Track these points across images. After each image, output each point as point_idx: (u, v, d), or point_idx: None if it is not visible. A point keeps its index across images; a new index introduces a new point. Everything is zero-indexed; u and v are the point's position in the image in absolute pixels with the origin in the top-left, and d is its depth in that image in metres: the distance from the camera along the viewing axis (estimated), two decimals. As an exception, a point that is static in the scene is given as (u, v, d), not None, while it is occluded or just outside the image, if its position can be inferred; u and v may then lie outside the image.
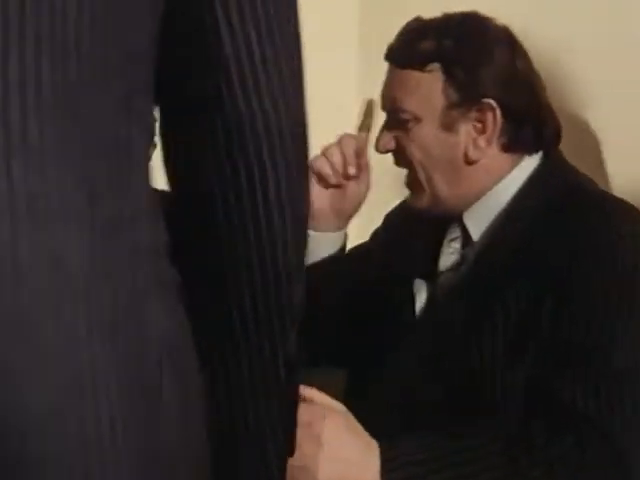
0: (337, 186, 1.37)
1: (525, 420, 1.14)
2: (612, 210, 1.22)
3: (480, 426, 1.16)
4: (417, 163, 1.28)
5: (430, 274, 1.32)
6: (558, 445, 1.10)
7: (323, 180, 1.36)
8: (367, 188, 1.38)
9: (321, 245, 1.39)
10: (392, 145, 1.30)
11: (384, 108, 1.33)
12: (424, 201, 1.30)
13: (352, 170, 1.35)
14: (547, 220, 1.23)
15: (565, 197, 1.24)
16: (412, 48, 1.27)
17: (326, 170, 1.35)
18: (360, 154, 1.36)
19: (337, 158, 1.34)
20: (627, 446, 1.11)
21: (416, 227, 1.36)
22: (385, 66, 1.33)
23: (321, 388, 1.12)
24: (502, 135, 1.25)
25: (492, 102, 1.23)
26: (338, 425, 1.09)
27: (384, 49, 1.32)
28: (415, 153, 1.28)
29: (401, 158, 1.30)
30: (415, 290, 1.32)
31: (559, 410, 1.13)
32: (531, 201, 1.26)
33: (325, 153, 1.35)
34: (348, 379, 1.40)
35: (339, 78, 2.19)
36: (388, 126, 1.31)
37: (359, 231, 1.58)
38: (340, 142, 1.36)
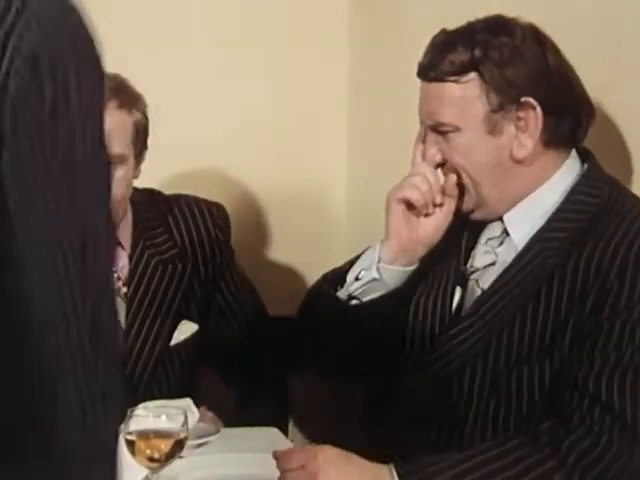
0: (426, 215, 1.37)
1: (554, 413, 1.21)
2: None
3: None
4: (462, 169, 1.32)
5: (461, 273, 1.37)
6: (574, 434, 1.17)
7: (413, 208, 1.36)
8: (450, 215, 1.37)
9: (397, 279, 1.38)
10: (439, 158, 1.33)
11: (423, 123, 1.36)
12: (470, 204, 1.34)
13: (439, 198, 1.35)
14: (591, 228, 1.27)
15: (608, 207, 1.28)
16: (445, 61, 1.29)
17: (417, 197, 1.34)
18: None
19: (426, 186, 1.34)
20: None
21: (449, 230, 1.39)
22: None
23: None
24: (545, 131, 1.28)
25: (531, 100, 1.27)
26: (332, 457, 1.16)
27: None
28: (459, 160, 1.31)
29: (448, 167, 1.34)
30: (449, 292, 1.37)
31: (578, 399, 1.19)
32: (576, 207, 1.29)
33: (412, 181, 1.35)
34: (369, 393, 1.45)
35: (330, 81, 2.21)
36: (431, 140, 1.34)
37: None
38: (422, 171, 1.35)
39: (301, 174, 2.16)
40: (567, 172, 1.31)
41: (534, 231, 1.29)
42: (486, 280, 1.32)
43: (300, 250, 2.17)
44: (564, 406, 1.20)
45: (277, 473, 1.15)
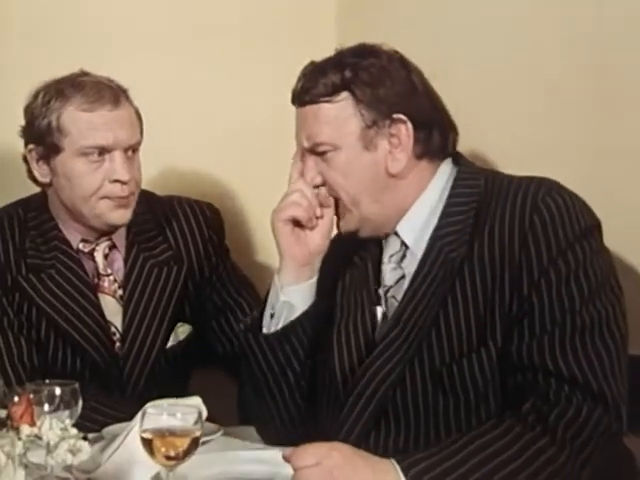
0: (311, 228, 1.41)
1: (517, 396, 1.23)
2: (529, 187, 1.30)
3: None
4: (342, 189, 1.36)
5: (376, 294, 1.40)
6: (556, 409, 1.19)
7: (299, 225, 1.41)
8: (332, 223, 1.42)
9: (306, 295, 1.43)
10: (319, 180, 1.38)
11: (300, 146, 1.40)
12: (352, 223, 1.38)
13: (318, 210, 1.40)
14: (480, 215, 1.31)
15: (488, 192, 1.33)
16: (318, 85, 1.35)
17: (300, 213, 1.39)
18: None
19: (305, 201, 1.39)
20: (608, 390, 1.21)
21: (352, 250, 1.43)
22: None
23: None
24: (416, 144, 1.34)
25: (402, 116, 1.33)
26: (346, 454, 1.17)
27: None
28: (339, 179, 1.36)
29: (328, 188, 1.38)
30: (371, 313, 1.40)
31: (543, 378, 1.22)
32: (460, 200, 1.34)
33: (293, 199, 1.39)
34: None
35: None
36: (309, 162, 1.38)
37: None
38: (299, 188, 1.40)
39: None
40: (441, 176, 1.38)
41: (427, 235, 1.34)
42: (401, 293, 1.36)
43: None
44: (529, 389, 1.22)
45: (286, 470, 1.15)
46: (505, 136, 1.77)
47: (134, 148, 1.66)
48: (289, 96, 1.40)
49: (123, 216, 1.65)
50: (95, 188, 1.63)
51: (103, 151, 1.62)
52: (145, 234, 1.71)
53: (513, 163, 1.54)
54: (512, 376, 1.24)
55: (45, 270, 1.65)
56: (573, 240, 1.25)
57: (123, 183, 1.62)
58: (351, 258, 1.43)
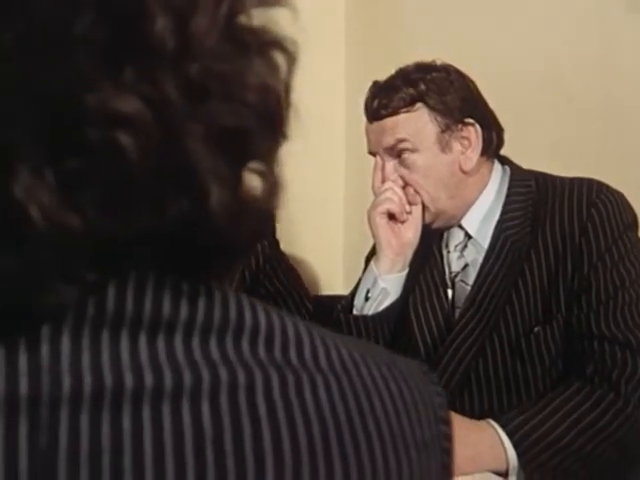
0: (402, 222, 1.56)
1: (580, 361, 1.41)
2: (582, 186, 1.49)
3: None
4: (421, 189, 1.52)
5: (445, 277, 1.57)
6: (615, 369, 1.37)
7: (393, 218, 1.56)
8: (420, 219, 1.56)
9: (398, 285, 1.57)
10: (401, 182, 1.54)
11: (378, 153, 1.55)
12: (427, 218, 1.55)
13: (407, 207, 1.55)
14: (541, 205, 1.50)
15: (541, 189, 1.52)
16: (394, 99, 1.50)
17: (394, 207, 1.53)
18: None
19: (397, 196, 1.53)
20: None
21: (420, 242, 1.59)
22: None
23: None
24: (482, 144, 1.52)
25: (470, 119, 1.51)
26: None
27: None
28: (420, 180, 1.52)
29: (406, 190, 1.54)
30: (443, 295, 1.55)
31: (601, 344, 1.40)
32: (518, 198, 1.52)
33: (386, 196, 1.54)
34: None
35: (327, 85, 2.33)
36: (389, 167, 1.54)
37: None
38: (389, 186, 1.54)
39: (299, 184, 2.26)
40: (497, 174, 1.56)
41: (491, 228, 1.52)
42: (469, 277, 1.53)
43: (298, 262, 2.23)
44: (592, 354, 1.40)
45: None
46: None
47: None
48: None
49: None
50: None
51: None
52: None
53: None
54: (575, 343, 1.42)
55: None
56: (623, 230, 1.46)
57: None
58: (419, 248, 1.59)
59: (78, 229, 0.39)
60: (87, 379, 0.40)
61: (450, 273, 1.56)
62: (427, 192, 1.51)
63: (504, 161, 1.58)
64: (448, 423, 0.51)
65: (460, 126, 1.50)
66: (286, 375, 0.44)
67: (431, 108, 1.49)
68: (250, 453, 0.42)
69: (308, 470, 0.43)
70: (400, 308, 1.55)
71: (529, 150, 1.75)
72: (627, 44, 1.81)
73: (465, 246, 1.54)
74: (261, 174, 0.45)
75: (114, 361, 0.41)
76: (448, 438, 0.51)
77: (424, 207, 1.53)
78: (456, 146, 1.50)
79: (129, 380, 0.41)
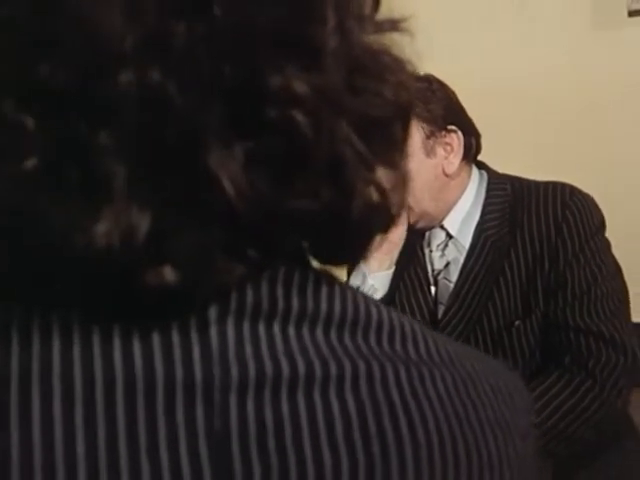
0: None
1: (557, 352, 1.52)
2: (556, 189, 1.59)
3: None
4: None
5: (428, 275, 1.66)
6: (592, 359, 1.49)
7: None
8: (406, 220, 1.63)
9: (385, 282, 1.66)
10: None
11: None
12: (411, 219, 1.63)
13: None
14: (518, 207, 1.59)
15: (517, 192, 1.61)
16: None
17: None
18: None
19: None
20: (627, 341, 1.51)
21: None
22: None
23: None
24: (464, 149, 1.61)
25: (453, 127, 1.59)
26: None
27: None
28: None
29: None
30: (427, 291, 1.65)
31: (577, 336, 1.51)
32: (496, 200, 1.63)
33: None
34: None
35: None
36: None
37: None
38: None
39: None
40: (475, 178, 1.65)
41: (472, 228, 1.62)
42: (452, 274, 1.62)
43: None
44: (568, 345, 1.51)
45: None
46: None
47: None
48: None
49: None
50: None
51: None
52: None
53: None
54: (553, 335, 1.53)
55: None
56: (595, 231, 1.56)
57: None
58: (403, 247, 1.68)
59: (259, 200, 0.41)
60: (251, 367, 0.43)
61: (433, 271, 1.65)
62: (412, 194, 1.59)
63: (481, 166, 1.68)
64: (532, 413, 0.55)
65: (444, 133, 1.58)
66: (410, 367, 0.47)
67: (417, 116, 1.57)
68: (391, 438, 0.45)
69: (438, 453, 0.46)
70: (388, 304, 1.63)
71: (499, 156, 1.85)
72: (593, 58, 1.94)
73: (446, 245, 1.64)
74: (392, 166, 0.47)
75: (271, 350, 0.44)
76: (534, 426, 0.54)
77: (409, 208, 1.61)
78: (440, 151, 1.58)
79: (285, 369, 0.44)
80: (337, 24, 0.43)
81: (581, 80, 1.95)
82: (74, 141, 0.41)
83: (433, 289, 1.65)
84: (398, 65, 0.47)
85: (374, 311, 0.49)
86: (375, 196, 0.46)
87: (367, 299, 0.49)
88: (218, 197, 0.41)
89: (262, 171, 0.42)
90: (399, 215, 0.48)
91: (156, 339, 0.43)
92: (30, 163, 0.41)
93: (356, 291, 0.49)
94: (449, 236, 1.64)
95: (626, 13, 1.87)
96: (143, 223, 0.40)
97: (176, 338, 0.43)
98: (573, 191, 1.58)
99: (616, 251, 1.60)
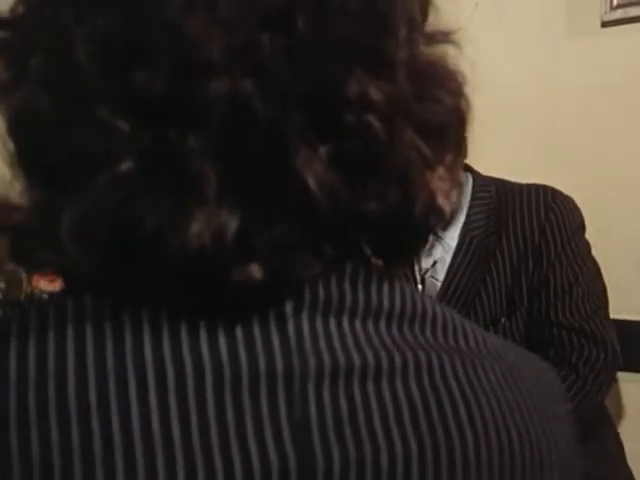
0: None
1: (541, 348, 1.57)
2: (539, 191, 1.65)
3: None
4: None
5: (414, 274, 1.70)
6: (574, 354, 1.55)
7: None
8: None
9: None
10: None
11: None
12: None
13: None
14: (502, 208, 1.64)
15: (502, 195, 1.66)
16: None
17: None
18: None
19: None
20: (607, 337, 1.57)
21: None
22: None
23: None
24: None
25: None
26: None
27: None
28: None
29: None
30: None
31: (560, 332, 1.57)
32: (481, 202, 1.67)
33: None
34: None
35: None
36: None
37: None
38: None
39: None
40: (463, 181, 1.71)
41: (458, 228, 1.65)
42: (439, 273, 1.66)
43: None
44: (552, 341, 1.57)
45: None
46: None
47: None
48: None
49: None
50: None
51: None
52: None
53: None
54: (537, 332, 1.58)
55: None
56: (575, 230, 1.62)
57: None
58: None
59: (342, 198, 0.44)
60: (326, 358, 0.46)
61: (420, 270, 1.70)
62: None
63: (466, 168, 1.74)
64: (567, 400, 0.58)
65: None
66: (464, 359, 0.51)
67: None
68: (453, 425, 0.48)
69: (495, 440, 0.50)
70: None
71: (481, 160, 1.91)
72: (566, 67, 2.00)
73: (433, 245, 1.69)
74: (449, 169, 0.50)
75: (342, 343, 0.47)
76: (570, 414, 0.58)
77: None
78: None
79: (356, 360, 0.47)
80: (406, 37, 0.47)
81: (556, 87, 2.00)
82: (166, 145, 0.44)
83: (420, 287, 1.69)
84: (453, 74, 0.51)
85: (428, 306, 0.52)
86: (434, 198, 0.49)
87: (420, 295, 0.53)
88: (302, 196, 0.44)
89: (341, 173, 0.45)
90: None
91: (239, 332, 0.46)
92: (126, 166, 0.43)
93: (411, 288, 0.53)
94: (436, 236, 1.68)
95: (599, 24, 1.93)
96: (232, 223, 0.43)
97: (257, 331, 0.47)
98: (555, 193, 1.64)
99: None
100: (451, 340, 0.52)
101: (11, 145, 0.49)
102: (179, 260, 0.44)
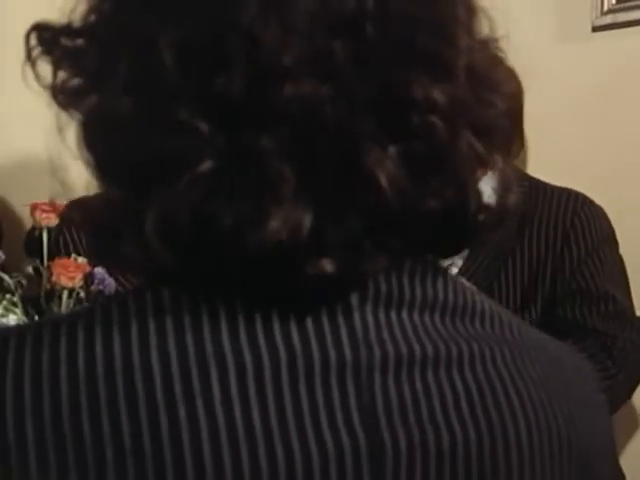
0: None
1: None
2: (569, 196, 1.66)
3: None
4: None
5: None
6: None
7: None
8: None
9: None
10: None
11: None
12: None
13: None
14: (528, 208, 1.65)
15: (534, 193, 1.66)
16: None
17: None
18: None
19: None
20: (629, 342, 1.59)
21: None
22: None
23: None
24: None
25: None
26: None
27: None
28: None
29: None
30: None
31: (577, 329, 1.59)
32: None
33: None
34: None
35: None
36: None
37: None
38: None
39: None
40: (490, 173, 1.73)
41: None
42: (456, 265, 1.66)
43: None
44: (576, 343, 1.57)
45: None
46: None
47: None
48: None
49: None
50: None
51: None
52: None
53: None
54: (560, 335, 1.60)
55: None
56: (602, 241, 1.63)
57: None
58: None
59: (408, 196, 0.47)
60: (389, 349, 0.49)
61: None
62: None
63: None
64: (602, 390, 0.61)
65: None
66: (512, 349, 0.54)
67: None
68: (507, 411, 0.51)
69: (545, 424, 0.52)
70: None
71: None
72: (557, 72, 2.04)
73: None
74: (502, 169, 0.54)
75: (403, 334, 0.50)
76: (605, 404, 0.61)
77: None
78: None
79: (417, 350, 0.50)
80: (465, 44, 0.51)
81: (545, 93, 2.04)
82: (242, 146, 0.46)
83: None
84: (505, 78, 0.54)
85: (477, 299, 0.56)
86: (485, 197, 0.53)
87: (469, 289, 0.56)
88: (373, 193, 0.46)
89: (407, 171, 0.48)
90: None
91: (309, 324, 0.49)
92: (206, 166, 0.46)
93: (460, 282, 0.56)
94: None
95: (590, 29, 1.97)
96: (306, 220, 0.46)
97: (326, 323, 0.49)
98: (585, 201, 1.65)
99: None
100: (498, 331, 0.54)
101: (84, 148, 0.51)
102: (256, 256, 0.46)
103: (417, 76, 0.48)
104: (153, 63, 0.46)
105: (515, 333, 0.56)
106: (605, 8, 1.93)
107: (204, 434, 0.45)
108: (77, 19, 0.52)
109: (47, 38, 0.52)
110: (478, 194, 0.52)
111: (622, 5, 1.91)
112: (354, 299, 0.50)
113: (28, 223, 1.97)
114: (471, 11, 0.52)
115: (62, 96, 0.52)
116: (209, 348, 0.47)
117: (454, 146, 0.49)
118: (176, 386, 0.46)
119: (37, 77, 0.53)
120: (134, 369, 0.46)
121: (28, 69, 0.52)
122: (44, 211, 1.35)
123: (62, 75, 0.52)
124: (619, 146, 1.94)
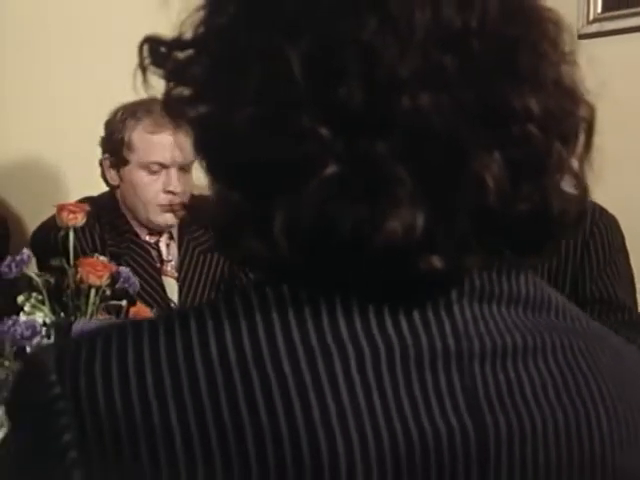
0: None
1: None
2: (592, 208, 1.67)
3: None
4: None
5: None
6: None
7: None
8: None
9: None
10: None
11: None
12: None
13: None
14: None
15: None
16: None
17: None
18: None
19: None
20: None
21: None
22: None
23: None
24: None
25: None
26: None
27: None
28: None
29: None
30: None
31: None
32: None
33: None
34: None
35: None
36: None
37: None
38: None
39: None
40: None
41: None
42: None
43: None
44: None
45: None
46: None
47: (188, 166, 1.88)
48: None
49: (168, 219, 1.90)
50: (152, 196, 1.86)
51: (162, 166, 1.85)
52: (189, 227, 1.95)
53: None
54: None
55: (122, 257, 1.85)
56: (618, 250, 1.69)
57: (174, 194, 1.86)
58: None
59: (508, 198, 0.51)
60: (486, 340, 0.54)
61: None
62: None
63: None
64: None
65: None
66: (586, 340, 0.58)
67: None
68: (588, 398, 0.55)
69: (622, 412, 0.57)
70: None
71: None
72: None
73: None
74: (576, 177, 0.58)
75: (495, 326, 0.54)
76: None
77: None
78: None
79: (508, 341, 0.54)
80: (554, 58, 0.55)
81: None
82: (362, 152, 0.50)
83: None
84: (581, 88, 0.58)
85: (550, 293, 0.60)
86: (567, 200, 0.56)
87: (544, 284, 0.60)
88: (479, 195, 0.50)
89: (509, 175, 0.52)
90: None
91: (417, 316, 0.53)
92: (331, 169, 0.49)
93: (536, 278, 0.60)
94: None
95: (576, 37, 2.03)
96: (420, 219, 0.50)
97: (431, 316, 0.53)
98: (602, 211, 1.69)
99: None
100: (569, 322, 0.59)
101: (198, 152, 0.54)
102: (373, 254, 0.50)
103: (515, 87, 0.52)
104: (282, 73, 0.49)
105: (584, 324, 0.60)
106: (591, 17, 2.00)
107: (334, 419, 0.48)
108: (186, 32, 0.55)
109: (160, 52, 0.55)
110: (561, 197, 0.56)
111: (608, 14, 1.97)
112: (453, 293, 0.54)
113: (29, 224, 1.98)
114: (558, 26, 0.56)
115: (173, 104, 0.55)
116: (329, 338, 0.51)
117: (548, 154, 0.54)
118: (305, 374, 0.49)
119: (146, 85, 0.56)
120: (264, 358, 0.49)
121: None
122: (71, 212, 1.37)
123: (172, 85, 0.55)
124: (604, 153, 1.99)
